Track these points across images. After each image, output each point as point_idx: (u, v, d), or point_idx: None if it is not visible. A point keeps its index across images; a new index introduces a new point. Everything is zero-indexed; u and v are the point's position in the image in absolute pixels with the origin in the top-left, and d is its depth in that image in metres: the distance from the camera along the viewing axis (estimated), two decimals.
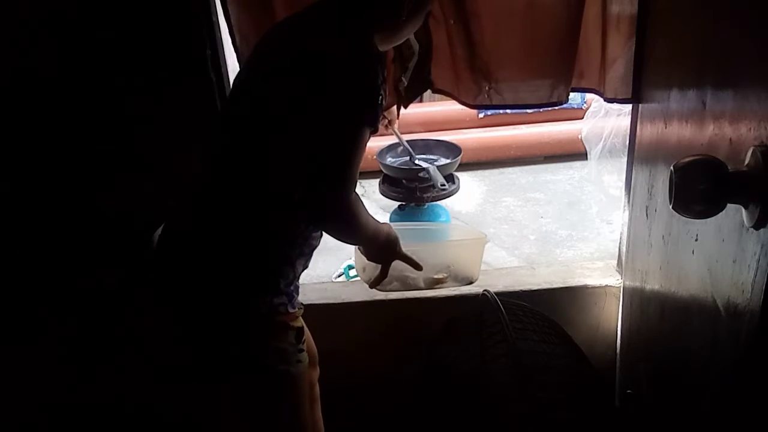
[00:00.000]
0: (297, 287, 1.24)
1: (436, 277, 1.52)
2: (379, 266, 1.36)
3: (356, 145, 1.11)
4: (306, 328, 1.29)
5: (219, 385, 1.24)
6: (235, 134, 1.20)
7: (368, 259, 1.35)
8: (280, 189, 1.15)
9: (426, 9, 1.26)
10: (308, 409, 1.33)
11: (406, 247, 1.36)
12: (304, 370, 1.25)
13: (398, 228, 1.37)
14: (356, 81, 1.10)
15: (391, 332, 1.77)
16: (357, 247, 1.38)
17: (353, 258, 1.49)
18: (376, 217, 1.29)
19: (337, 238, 1.21)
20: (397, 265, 1.37)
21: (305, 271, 1.26)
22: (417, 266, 1.38)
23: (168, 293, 1.21)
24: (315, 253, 1.26)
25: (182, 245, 1.21)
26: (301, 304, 1.27)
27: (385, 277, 1.36)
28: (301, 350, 1.24)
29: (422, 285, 1.50)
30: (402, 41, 1.30)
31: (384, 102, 1.16)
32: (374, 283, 1.39)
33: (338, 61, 1.11)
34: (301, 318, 1.25)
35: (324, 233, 1.22)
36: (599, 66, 1.56)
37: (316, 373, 1.52)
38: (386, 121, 1.92)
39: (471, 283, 1.57)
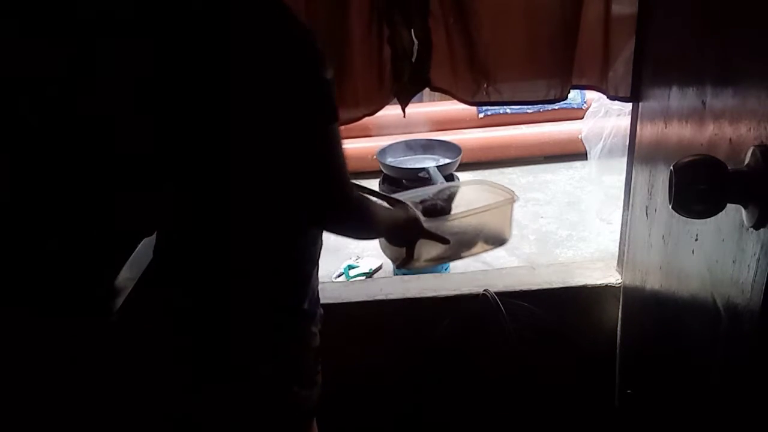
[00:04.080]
0: (318, 300, 1.21)
1: (466, 244, 1.46)
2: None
3: (338, 140, 1.01)
4: None
5: (244, 404, 1.16)
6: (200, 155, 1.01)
7: (392, 244, 1.32)
8: (287, 209, 1.06)
9: None
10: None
11: (430, 224, 1.32)
12: (319, 390, 1.23)
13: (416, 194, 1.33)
14: (318, 80, 0.97)
15: (391, 332, 1.77)
16: None
17: (378, 244, 1.42)
18: None
19: (356, 238, 1.18)
20: (424, 241, 1.32)
21: None
22: (444, 240, 1.33)
23: (195, 320, 1.13)
24: None
25: (204, 274, 1.10)
26: (322, 315, 1.23)
27: (412, 258, 1.32)
28: (318, 371, 1.21)
29: (453, 256, 1.45)
30: None
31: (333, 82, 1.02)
32: (401, 264, 1.35)
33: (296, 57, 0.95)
34: (318, 335, 1.21)
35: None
36: (601, 63, 1.56)
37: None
38: None
39: (504, 243, 1.49)
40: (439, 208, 1.47)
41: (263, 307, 1.10)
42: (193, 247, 1.10)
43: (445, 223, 1.41)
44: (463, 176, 2.89)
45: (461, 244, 1.44)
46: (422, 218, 1.30)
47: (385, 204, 1.31)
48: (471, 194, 1.60)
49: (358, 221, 1.10)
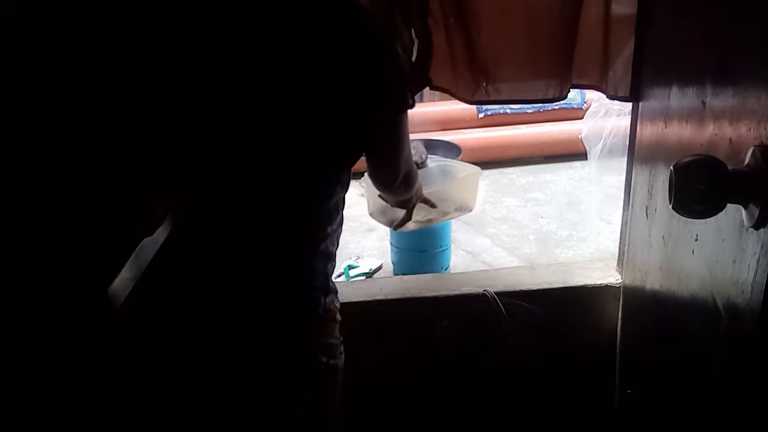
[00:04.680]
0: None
1: (444, 210, 1.83)
2: (399, 210, 1.55)
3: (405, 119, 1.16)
4: None
5: (278, 384, 1.20)
6: (250, 129, 1.03)
7: (396, 206, 1.53)
8: (323, 187, 1.11)
9: None
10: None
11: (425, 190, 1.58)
12: (344, 362, 1.28)
13: None
14: (394, 65, 1.15)
15: (391, 332, 1.77)
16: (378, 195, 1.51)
17: (368, 205, 1.85)
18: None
19: (394, 196, 1.44)
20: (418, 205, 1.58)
21: None
22: (433, 205, 1.62)
23: (226, 305, 1.15)
24: None
25: (230, 255, 1.13)
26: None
27: (410, 219, 1.55)
28: (342, 342, 1.27)
29: (435, 220, 1.83)
30: None
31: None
32: (399, 225, 1.59)
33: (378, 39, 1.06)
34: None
35: None
36: (601, 63, 1.57)
37: None
38: None
39: (470, 210, 1.99)
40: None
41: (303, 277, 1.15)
42: (225, 228, 1.11)
43: (433, 190, 1.75)
44: None
45: (440, 210, 1.78)
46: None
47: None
48: (442, 169, 2.15)
49: (407, 184, 1.33)
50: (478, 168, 1.99)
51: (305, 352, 1.19)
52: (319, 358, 1.19)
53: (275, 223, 1.10)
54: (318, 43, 0.98)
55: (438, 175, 2.14)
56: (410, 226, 1.65)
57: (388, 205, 1.57)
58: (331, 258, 1.19)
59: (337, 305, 1.23)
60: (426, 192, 1.57)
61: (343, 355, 1.26)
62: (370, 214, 1.85)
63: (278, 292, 1.14)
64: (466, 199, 1.92)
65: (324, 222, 1.13)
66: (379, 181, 1.32)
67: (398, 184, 1.29)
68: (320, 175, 1.09)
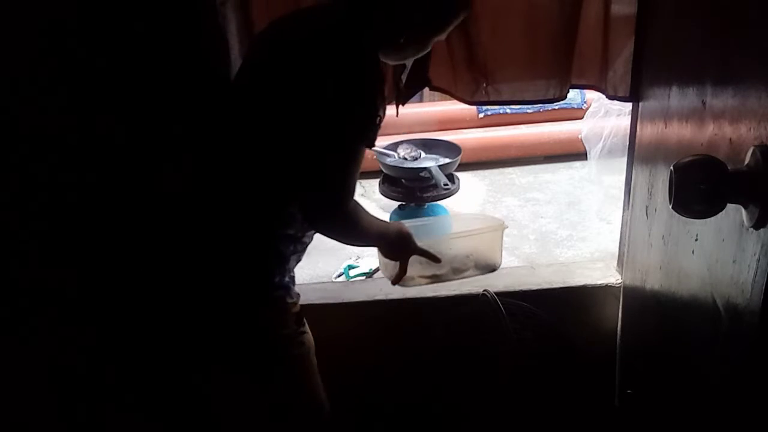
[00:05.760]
0: (292, 278, 1.33)
1: (458, 267, 1.53)
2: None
3: (354, 160, 1.16)
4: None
5: (236, 375, 1.37)
6: (240, 133, 1.23)
7: (385, 257, 1.39)
8: (277, 192, 1.21)
9: (431, 38, 1.25)
10: (317, 382, 1.39)
11: (424, 242, 1.38)
12: (308, 350, 1.34)
13: (413, 224, 1.42)
14: (361, 100, 1.13)
15: (391, 332, 1.77)
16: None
17: (377, 257, 1.52)
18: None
19: (339, 241, 1.25)
20: (418, 260, 1.39)
21: (306, 271, 1.29)
22: (435, 259, 1.39)
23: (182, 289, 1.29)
24: (315, 253, 1.29)
25: (190, 242, 1.28)
26: (297, 293, 1.34)
27: (405, 273, 1.38)
28: (303, 332, 1.33)
29: (445, 278, 1.51)
30: (404, 60, 1.31)
31: (381, 119, 1.19)
32: (395, 280, 1.40)
33: (346, 78, 1.13)
34: (299, 304, 1.32)
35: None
36: (601, 63, 1.57)
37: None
38: None
39: (494, 270, 1.56)
40: None
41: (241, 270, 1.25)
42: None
43: (439, 243, 1.48)
44: (463, 176, 2.89)
45: (454, 267, 1.51)
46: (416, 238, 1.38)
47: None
48: (464, 223, 1.80)
49: (343, 230, 1.21)
50: (501, 221, 1.59)
51: (257, 343, 1.29)
52: (272, 349, 1.30)
53: (244, 214, 1.24)
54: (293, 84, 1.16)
55: (447, 227, 1.88)
56: (419, 281, 1.48)
57: (389, 260, 1.41)
58: (281, 258, 1.26)
59: (290, 300, 1.29)
60: (423, 244, 1.38)
61: (304, 345, 1.32)
62: (381, 268, 1.59)
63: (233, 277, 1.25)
64: (486, 256, 1.56)
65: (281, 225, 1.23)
66: (311, 216, 1.21)
67: (336, 218, 1.18)
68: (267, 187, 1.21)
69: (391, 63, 1.32)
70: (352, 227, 1.21)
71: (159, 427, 1.51)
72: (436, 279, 1.49)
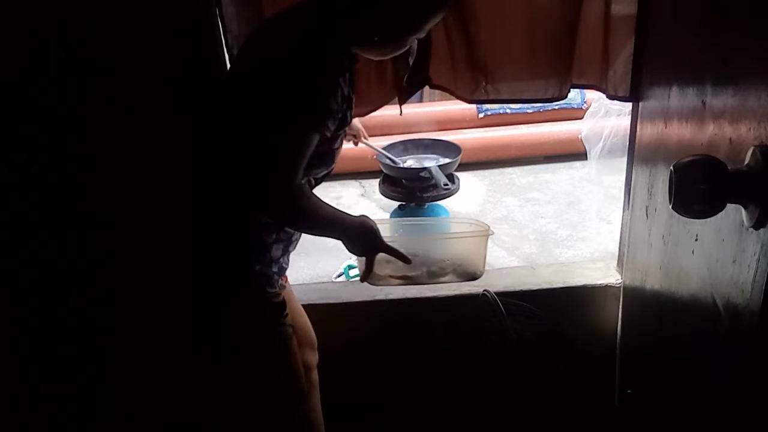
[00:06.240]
0: (282, 267, 1.34)
1: (435, 271, 1.44)
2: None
3: (298, 143, 1.14)
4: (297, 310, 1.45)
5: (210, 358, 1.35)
6: (221, 128, 1.27)
7: (349, 252, 1.30)
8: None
9: (407, 37, 1.24)
10: (293, 374, 1.41)
11: (400, 241, 1.35)
12: (288, 339, 1.37)
13: (402, 223, 1.36)
14: (292, 88, 1.14)
15: (391, 332, 1.77)
16: None
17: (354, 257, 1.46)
18: (375, 217, 1.30)
19: (295, 229, 1.30)
20: (387, 259, 1.32)
21: (306, 271, 1.29)
22: (404, 259, 1.30)
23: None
24: (315, 253, 1.29)
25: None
26: (283, 284, 1.37)
27: (371, 270, 1.30)
28: (282, 324, 1.35)
29: (418, 280, 1.43)
30: (385, 57, 1.29)
31: (342, 108, 1.19)
32: (362, 277, 1.34)
33: (281, 66, 1.16)
34: (282, 294, 1.35)
35: None
36: (601, 62, 1.57)
37: (315, 357, 1.55)
38: (352, 138, 1.82)
39: (475, 278, 1.46)
40: None
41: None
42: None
43: (412, 243, 1.42)
44: (463, 176, 2.88)
45: (429, 270, 1.43)
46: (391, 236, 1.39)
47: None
48: (449, 226, 1.72)
49: (285, 213, 1.20)
50: (487, 227, 1.45)
51: (236, 330, 1.34)
52: (250, 336, 1.34)
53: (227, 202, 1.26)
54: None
55: (432, 228, 1.80)
56: (390, 281, 1.41)
57: (360, 258, 1.33)
58: (262, 246, 1.29)
59: (270, 290, 1.32)
60: (392, 241, 1.30)
61: (283, 335, 1.35)
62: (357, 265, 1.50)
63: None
64: (467, 263, 1.45)
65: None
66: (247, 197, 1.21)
67: (273, 205, 1.18)
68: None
69: (374, 59, 1.31)
70: (299, 213, 1.19)
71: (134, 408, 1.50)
72: (408, 281, 1.42)
